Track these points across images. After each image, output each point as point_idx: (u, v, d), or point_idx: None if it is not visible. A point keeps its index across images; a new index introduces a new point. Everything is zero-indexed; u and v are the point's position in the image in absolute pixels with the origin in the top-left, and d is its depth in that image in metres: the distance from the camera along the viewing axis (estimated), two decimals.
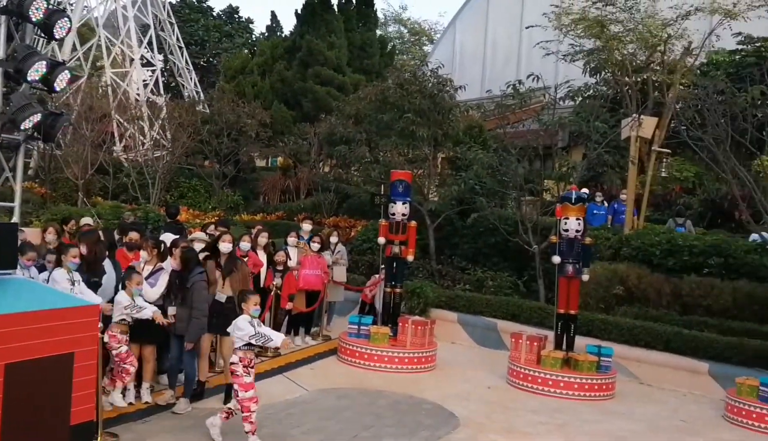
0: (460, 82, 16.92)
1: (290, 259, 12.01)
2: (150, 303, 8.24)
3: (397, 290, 11.93)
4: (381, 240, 11.97)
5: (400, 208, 11.76)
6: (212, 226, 11.96)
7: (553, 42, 17.94)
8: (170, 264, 8.66)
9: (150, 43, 36.09)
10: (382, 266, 12.39)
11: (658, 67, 16.53)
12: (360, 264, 15.46)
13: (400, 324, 11.60)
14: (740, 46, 20.17)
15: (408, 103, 15.03)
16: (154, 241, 9.20)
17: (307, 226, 13.33)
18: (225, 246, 9.04)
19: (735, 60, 19.53)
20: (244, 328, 7.26)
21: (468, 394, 10.18)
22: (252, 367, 7.36)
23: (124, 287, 7.98)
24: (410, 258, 11.94)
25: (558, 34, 17.72)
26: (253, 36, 52.00)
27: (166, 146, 23.50)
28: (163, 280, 8.50)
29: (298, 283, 11.89)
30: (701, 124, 12.87)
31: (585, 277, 11.06)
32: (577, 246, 10.85)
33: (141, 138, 25.63)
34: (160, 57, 38.48)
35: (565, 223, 10.87)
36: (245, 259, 10.10)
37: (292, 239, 12.58)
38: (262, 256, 11.35)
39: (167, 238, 10.16)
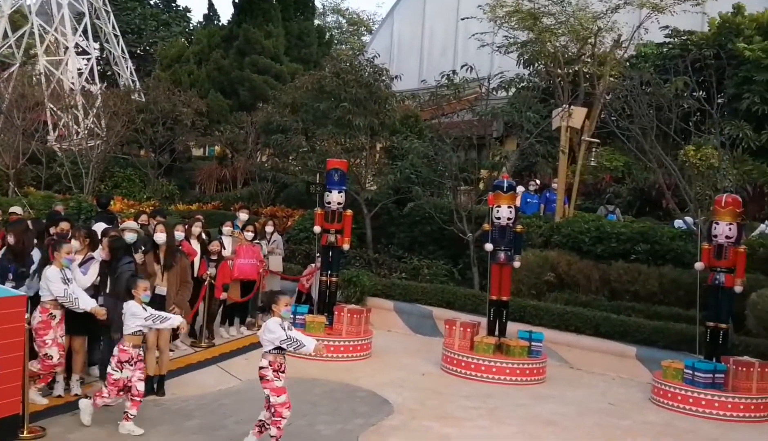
0: (398, 73, 17.04)
1: (225, 249, 11.96)
2: (82, 291, 8.15)
3: (333, 279, 11.94)
4: (317, 229, 11.97)
5: (335, 197, 11.78)
6: (144, 216, 11.82)
7: (488, 34, 18.14)
8: (100, 253, 8.57)
9: (85, 32, 35.27)
10: (318, 255, 12.41)
11: (588, 59, 16.88)
12: (297, 253, 15.45)
13: (336, 312, 11.65)
14: (667, 39, 20.78)
15: (344, 92, 15.05)
16: (86, 231, 9.05)
17: (243, 216, 13.27)
18: (159, 237, 8.95)
19: (662, 52, 20.10)
20: (275, 331, 6.83)
21: (402, 381, 10.28)
22: (283, 372, 6.95)
23: (131, 297, 7.45)
24: (346, 247, 11.98)
25: (493, 26, 17.94)
26: (191, 25, 51.22)
27: (101, 135, 23.07)
28: (94, 269, 8.39)
29: (232, 273, 11.83)
30: (629, 114, 13.22)
31: (516, 264, 11.26)
32: (509, 233, 11.04)
33: (75, 127, 25.15)
34: (96, 45, 37.64)
35: (497, 211, 11.06)
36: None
37: (226, 228, 12.52)
38: (196, 246, 11.25)
39: (99, 227, 10.03)
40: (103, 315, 7.78)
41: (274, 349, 6.89)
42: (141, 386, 7.42)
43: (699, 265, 10.41)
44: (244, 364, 10.57)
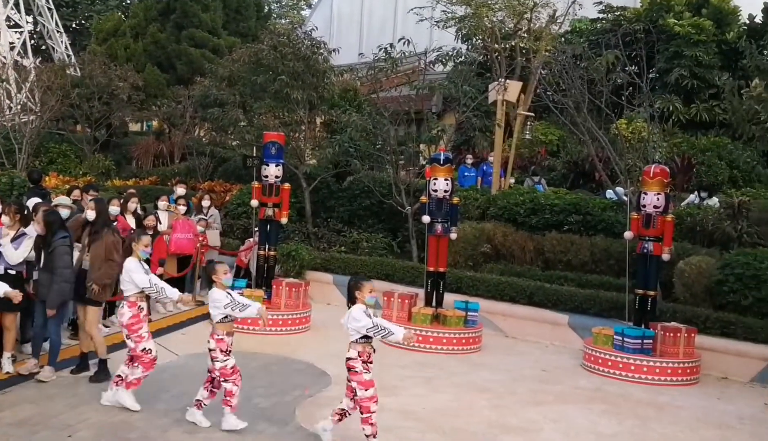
0: (337, 47, 16.94)
1: (160, 223, 11.85)
2: (13, 266, 8.04)
3: (271, 253, 11.92)
4: (254, 202, 11.93)
5: (273, 170, 11.73)
6: (77, 191, 11.61)
7: (426, 8, 18.21)
8: (33, 229, 8.40)
9: (17, 4, 34.14)
10: (256, 229, 12.38)
11: (525, 35, 17.09)
12: (235, 228, 15.38)
13: (274, 286, 11.66)
14: (601, 15, 21.17)
15: (282, 66, 14.92)
16: (17, 207, 8.84)
17: (180, 190, 13.17)
18: (89, 214, 8.80)
19: (596, 28, 20.47)
20: (360, 319, 6.50)
21: (341, 353, 10.16)
22: (371, 362, 6.65)
23: (212, 282, 7.13)
24: (284, 220, 11.95)
25: (431, 1, 18.01)
26: None
27: (35, 110, 22.52)
28: (26, 244, 8.23)
29: (169, 248, 11.74)
30: (562, 88, 13.46)
31: (453, 236, 11.43)
32: (446, 205, 11.18)
33: (7, 102, 24.48)
34: (29, 19, 36.42)
35: (434, 184, 11.18)
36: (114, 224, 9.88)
37: (162, 203, 12.43)
38: (131, 221, 11.12)
39: (32, 203, 9.84)
40: (188, 301, 7.58)
41: (361, 338, 6.58)
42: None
43: (628, 235, 10.71)
44: (182, 339, 10.53)
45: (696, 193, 14.88)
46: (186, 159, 22.34)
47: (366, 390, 6.55)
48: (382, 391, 8.54)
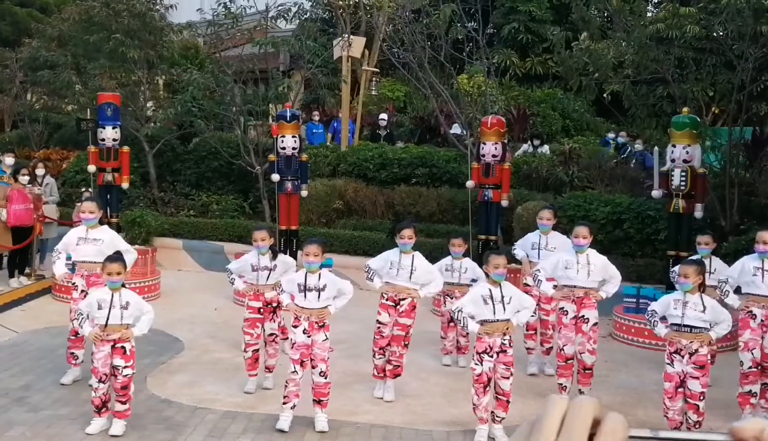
0: (175, 3, 16.25)
1: None
2: None
3: (114, 220, 11.48)
4: (91, 168, 11.41)
5: (110, 133, 11.25)
6: None
7: None
8: None
9: None
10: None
11: None
12: (74, 197, 14.62)
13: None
14: None
15: (116, 23, 14.18)
16: None
17: (9, 160, 12.37)
18: None
19: None
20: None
21: (194, 317, 10.22)
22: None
23: None
24: (125, 185, 11.56)
25: None
26: None
27: None
28: None
29: (8, 220, 11.08)
30: (404, 43, 13.65)
31: (304, 193, 11.45)
32: (295, 163, 11.17)
33: None
34: None
35: (282, 141, 11.12)
36: None
37: None
38: None
39: None
40: None
41: None
42: None
43: (470, 184, 11.09)
44: (21, 315, 10.05)
45: (529, 142, 15.57)
46: (18, 127, 21.01)
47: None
48: (237, 352, 8.58)
